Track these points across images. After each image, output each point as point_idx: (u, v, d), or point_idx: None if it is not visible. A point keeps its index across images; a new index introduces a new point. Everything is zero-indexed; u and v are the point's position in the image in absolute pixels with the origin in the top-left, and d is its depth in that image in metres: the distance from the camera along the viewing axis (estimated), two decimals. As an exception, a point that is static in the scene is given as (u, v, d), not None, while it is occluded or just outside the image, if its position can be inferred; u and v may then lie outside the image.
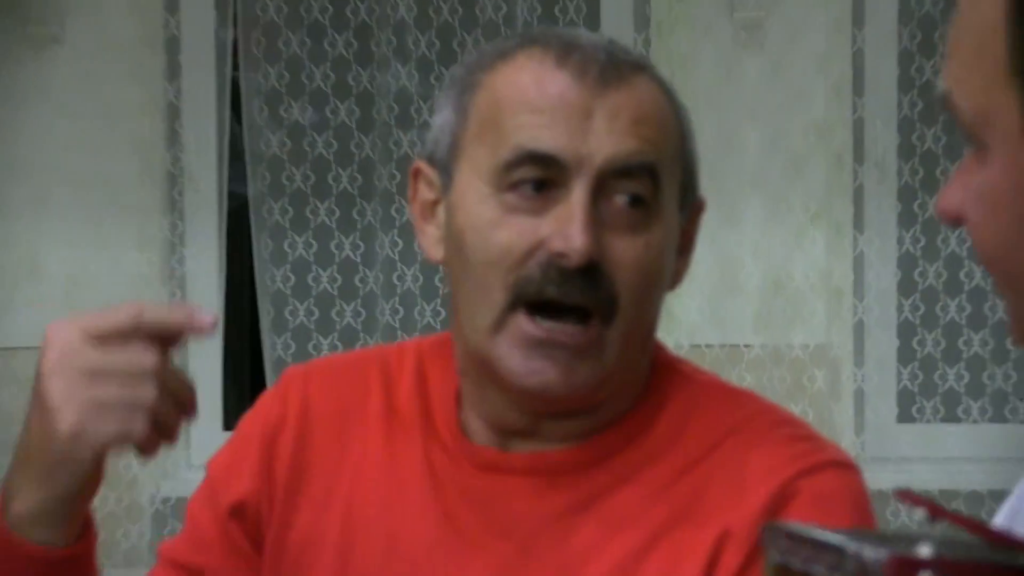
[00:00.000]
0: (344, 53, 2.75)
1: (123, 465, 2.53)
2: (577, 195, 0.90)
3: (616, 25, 2.68)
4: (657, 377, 1.00)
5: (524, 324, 0.91)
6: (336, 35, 2.75)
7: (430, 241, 0.99)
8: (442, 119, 0.98)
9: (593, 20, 2.72)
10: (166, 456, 2.52)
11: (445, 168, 0.97)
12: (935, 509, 0.59)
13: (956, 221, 0.67)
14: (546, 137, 0.91)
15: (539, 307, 0.91)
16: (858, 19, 2.66)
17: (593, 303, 0.91)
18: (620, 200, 0.92)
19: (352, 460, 1.03)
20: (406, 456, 1.01)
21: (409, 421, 1.02)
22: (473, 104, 0.96)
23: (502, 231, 0.92)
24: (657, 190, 0.94)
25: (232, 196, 2.82)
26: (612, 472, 0.97)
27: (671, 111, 0.97)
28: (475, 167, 0.94)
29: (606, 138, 0.92)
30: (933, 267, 2.71)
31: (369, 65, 2.75)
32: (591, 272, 0.90)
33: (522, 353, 0.91)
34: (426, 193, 0.99)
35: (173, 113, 2.71)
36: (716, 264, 2.57)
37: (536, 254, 0.91)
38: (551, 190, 0.91)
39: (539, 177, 0.91)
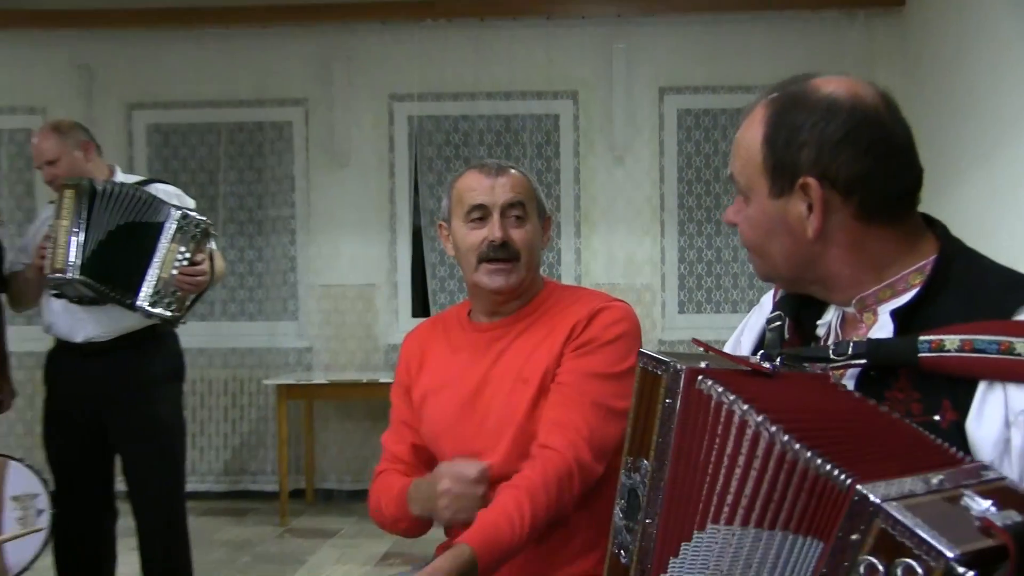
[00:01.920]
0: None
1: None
2: (495, 218, 2.26)
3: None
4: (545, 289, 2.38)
5: (485, 267, 2.26)
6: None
7: (449, 248, 2.38)
8: (444, 203, 2.37)
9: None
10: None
11: (447, 220, 2.36)
12: (706, 347, 1.42)
13: (734, 225, 1.55)
14: (479, 198, 2.27)
15: (488, 260, 2.26)
16: None
17: (508, 255, 2.26)
18: (511, 215, 2.27)
19: (428, 354, 2.41)
20: (449, 340, 2.40)
21: (452, 327, 2.42)
22: (454, 194, 2.33)
23: (471, 236, 2.28)
24: (525, 211, 2.29)
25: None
26: (525, 322, 2.31)
27: (527, 182, 2.32)
28: (458, 216, 2.30)
29: (500, 194, 2.26)
30: None
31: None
32: (505, 244, 2.25)
33: (487, 276, 2.27)
34: (445, 231, 2.37)
35: (390, 196, 6.47)
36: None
37: (484, 241, 2.26)
38: (485, 218, 2.27)
39: (479, 215, 2.27)
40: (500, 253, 2.24)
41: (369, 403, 6.35)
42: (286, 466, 5.96)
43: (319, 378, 6.10)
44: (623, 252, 6.13)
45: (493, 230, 2.24)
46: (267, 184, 6.53)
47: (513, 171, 2.31)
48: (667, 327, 6.29)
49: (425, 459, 2.34)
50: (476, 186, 2.26)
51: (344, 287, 6.45)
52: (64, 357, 3.78)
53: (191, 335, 3.87)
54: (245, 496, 6.45)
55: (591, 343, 2.20)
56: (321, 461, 6.45)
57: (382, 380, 5.86)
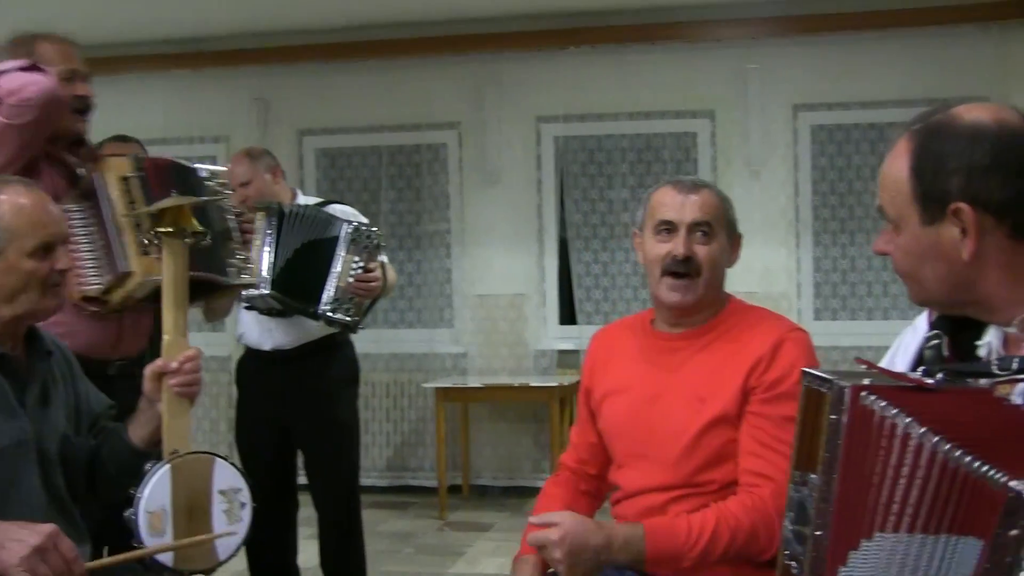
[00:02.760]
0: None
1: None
2: (681, 234, 2.34)
3: None
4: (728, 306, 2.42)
5: (666, 280, 2.33)
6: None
7: (640, 255, 2.44)
8: (639, 212, 2.43)
9: None
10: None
11: (641, 229, 2.42)
12: (869, 364, 1.47)
13: (885, 255, 1.52)
14: (668, 214, 2.35)
15: (671, 273, 2.33)
16: None
17: (690, 270, 2.32)
18: (697, 232, 2.33)
19: (613, 355, 2.49)
20: (632, 345, 2.46)
21: (637, 333, 2.48)
22: (648, 206, 2.41)
23: (658, 248, 2.35)
24: (712, 230, 2.35)
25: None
26: (707, 338, 2.35)
27: (719, 202, 2.38)
28: (648, 227, 2.38)
29: (689, 212, 2.33)
30: None
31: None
32: (688, 260, 2.31)
33: (666, 291, 2.34)
34: (638, 239, 2.43)
35: (537, 211, 6.80)
36: None
37: (668, 255, 2.32)
38: (672, 232, 2.35)
39: (667, 229, 2.35)
40: (682, 268, 2.32)
41: (520, 405, 6.70)
42: (444, 463, 6.35)
43: (474, 382, 6.49)
44: (759, 262, 6.32)
45: (678, 245, 2.32)
46: (424, 202, 6.97)
47: (706, 190, 2.37)
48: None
49: (602, 460, 2.50)
50: (668, 201, 2.35)
51: (496, 296, 6.83)
52: (253, 364, 4.12)
53: (357, 341, 4.22)
54: (406, 491, 6.86)
55: (779, 384, 2.24)
56: (476, 459, 6.84)
57: (532, 384, 6.22)
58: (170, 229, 2.25)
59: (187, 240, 2.29)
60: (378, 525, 5.98)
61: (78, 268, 2.64)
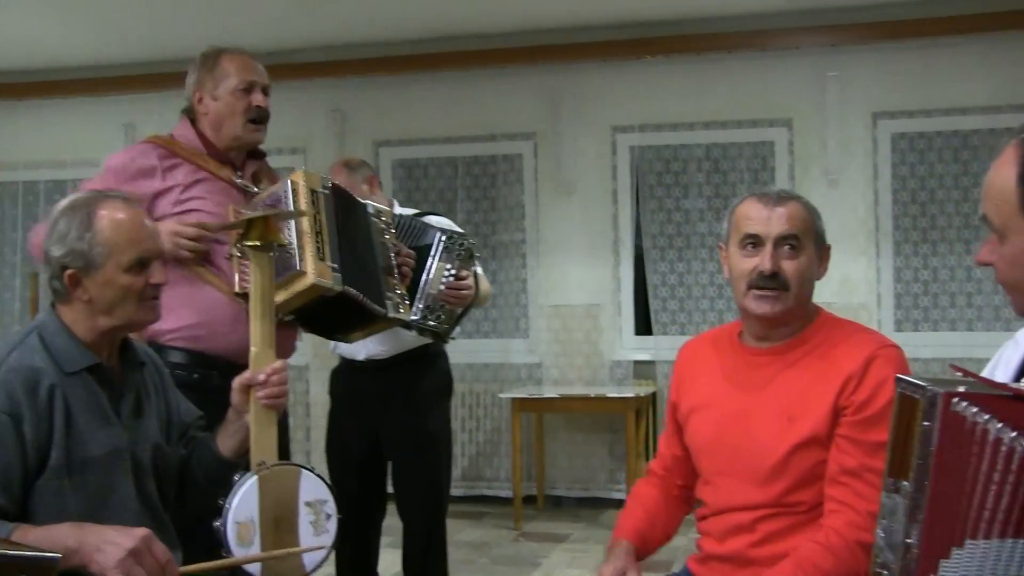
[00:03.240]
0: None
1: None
2: (768, 248, 2.28)
3: None
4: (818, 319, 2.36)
5: (753, 292, 2.29)
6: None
7: (725, 270, 2.40)
8: (724, 226, 2.38)
9: None
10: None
11: (726, 243, 2.38)
12: (965, 372, 1.36)
13: (988, 265, 1.48)
14: (754, 228, 2.30)
15: (757, 287, 2.29)
16: None
17: (777, 285, 2.26)
18: (784, 245, 2.27)
19: (699, 369, 2.46)
20: (719, 359, 2.43)
21: (724, 346, 2.45)
22: (733, 220, 2.37)
23: (744, 263, 2.31)
24: (800, 242, 2.28)
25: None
26: (796, 353, 2.29)
27: (806, 213, 2.32)
28: (734, 241, 2.33)
29: (776, 226, 2.27)
30: None
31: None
32: (775, 275, 2.27)
33: (754, 302, 2.30)
34: (724, 253, 2.39)
35: (613, 221, 6.80)
36: None
37: (755, 270, 2.28)
38: (758, 246, 2.30)
39: (753, 243, 2.31)
40: (769, 283, 2.27)
41: (595, 416, 6.69)
42: (519, 473, 6.37)
43: (549, 392, 6.49)
44: (837, 272, 6.24)
45: (764, 260, 2.27)
46: (500, 212, 7.00)
47: (793, 202, 2.31)
48: None
49: (687, 471, 2.49)
50: (753, 215, 2.30)
51: (571, 307, 6.83)
52: (347, 374, 4.14)
53: None
54: (481, 500, 6.90)
55: (870, 405, 2.18)
56: (551, 470, 6.85)
57: (608, 395, 6.21)
58: (258, 242, 2.29)
59: (273, 253, 2.32)
60: (454, 535, 5.90)
61: (245, 264, 2.70)
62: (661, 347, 6.59)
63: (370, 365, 4.05)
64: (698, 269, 6.62)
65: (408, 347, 4.02)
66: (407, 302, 3.09)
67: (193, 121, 3.10)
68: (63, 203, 2.27)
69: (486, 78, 6.92)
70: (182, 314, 2.89)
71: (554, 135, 6.83)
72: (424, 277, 3.71)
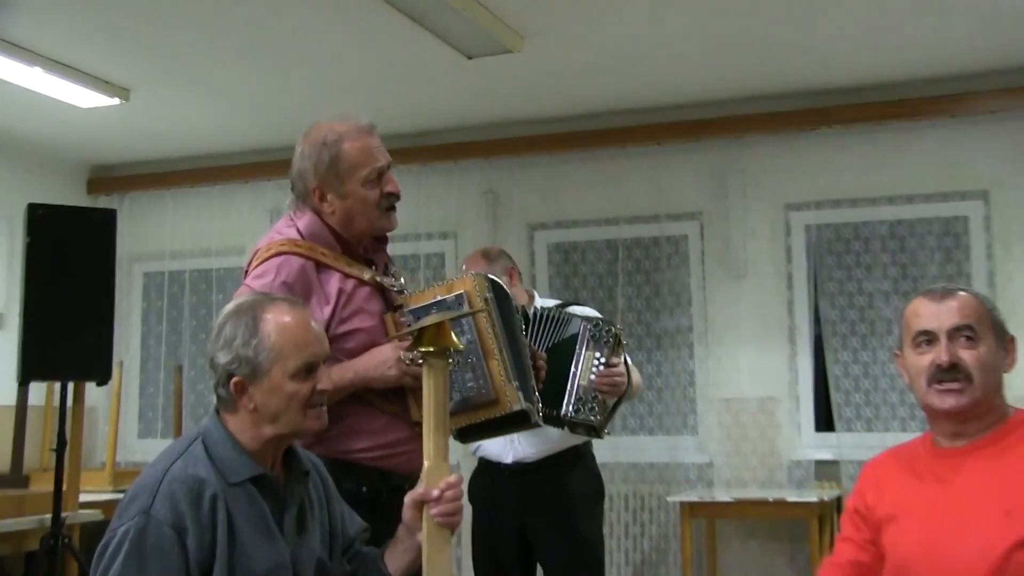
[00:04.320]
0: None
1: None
2: (942, 341, 2.36)
3: None
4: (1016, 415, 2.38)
5: (935, 387, 2.35)
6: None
7: (905, 376, 2.48)
8: (897, 332, 2.53)
9: None
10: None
11: (901, 348, 2.47)
12: None
13: None
14: (925, 324, 2.39)
15: (937, 380, 2.35)
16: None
17: (958, 377, 2.32)
18: (959, 337, 2.35)
19: (890, 476, 2.49)
20: (911, 467, 2.45)
21: (916, 455, 2.47)
22: (904, 322, 2.47)
23: (920, 360, 2.39)
24: (976, 333, 2.35)
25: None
26: (999, 446, 2.30)
27: (978, 304, 2.41)
28: (907, 342, 2.43)
29: (946, 319, 2.37)
30: None
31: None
32: (954, 366, 2.33)
33: (938, 397, 2.36)
34: (900, 360, 2.47)
35: (788, 307, 6.66)
36: None
37: (932, 364, 2.36)
38: (932, 342, 2.39)
39: (927, 339, 2.40)
40: (949, 375, 2.34)
41: (774, 522, 6.52)
42: (690, 585, 6.23)
43: (722, 495, 6.35)
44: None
45: (940, 353, 2.35)
46: (664, 298, 6.97)
47: (963, 294, 2.42)
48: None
49: None
50: (922, 312, 2.41)
51: (744, 400, 6.72)
52: (490, 477, 4.21)
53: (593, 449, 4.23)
54: (648, 613, 6.78)
55: None
56: (724, 581, 6.68)
57: (789, 499, 6.04)
58: (431, 348, 2.31)
59: (449, 360, 2.34)
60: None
61: (419, 392, 2.68)
62: (845, 445, 6.40)
63: (517, 468, 4.11)
64: (885, 358, 6.42)
65: (558, 448, 4.08)
66: (540, 404, 3.05)
67: (317, 212, 2.95)
68: (229, 307, 2.36)
69: (647, 155, 6.95)
70: (355, 440, 2.84)
71: (721, 214, 6.80)
72: (572, 369, 3.76)
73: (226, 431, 2.30)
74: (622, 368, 3.81)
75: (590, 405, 3.72)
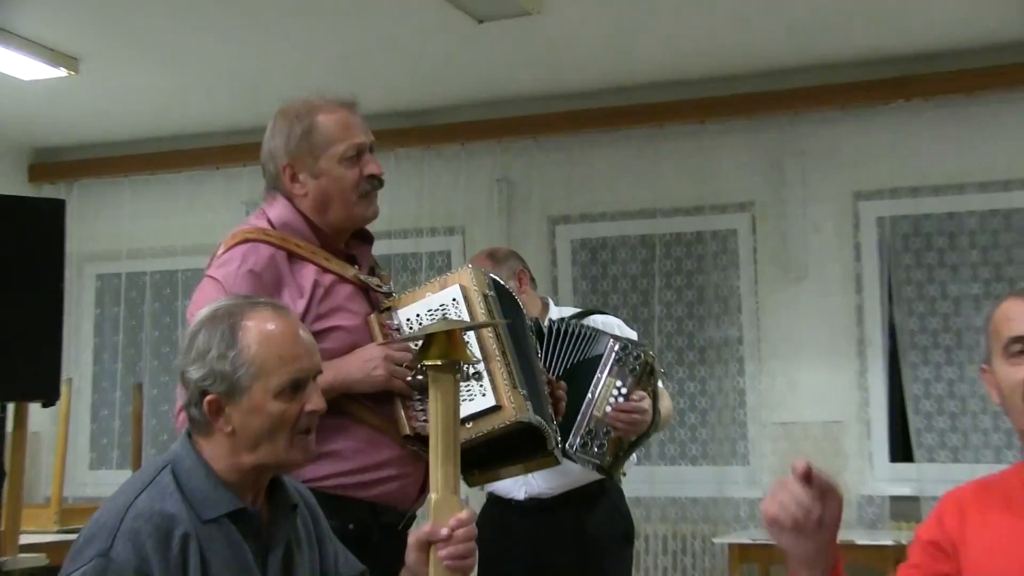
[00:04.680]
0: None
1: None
2: None
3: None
4: None
5: None
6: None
7: (994, 395, 2.35)
8: (982, 341, 2.42)
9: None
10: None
11: (988, 360, 2.36)
12: None
13: None
14: (1020, 328, 2.26)
15: None
16: None
17: None
18: None
19: (976, 513, 2.41)
20: (1006, 500, 2.37)
21: (1011, 487, 2.40)
22: (991, 329, 2.37)
23: (1015, 373, 2.26)
24: None
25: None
26: None
27: None
28: (997, 353, 2.31)
29: None
30: None
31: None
32: None
33: None
34: (988, 375, 2.36)
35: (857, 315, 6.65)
36: None
37: None
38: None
39: (1022, 348, 2.28)
40: None
41: (841, 568, 6.46)
42: (741, 642, 6.21)
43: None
44: None
45: None
46: (709, 304, 6.95)
47: None
48: None
49: None
50: (1014, 315, 2.32)
51: (804, 425, 6.68)
52: (501, 515, 4.17)
53: (626, 484, 4.19)
54: (692, 676, 6.74)
55: None
56: (782, 637, 6.65)
57: (859, 542, 6.00)
58: (438, 361, 2.23)
59: (459, 376, 2.27)
60: None
61: (411, 401, 2.77)
62: (926, 478, 6.35)
63: (531, 505, 4.10)
64: (974, 375, 6.36)
65: (579, 483, 4.06)
66: (558, 434, 3.05)
67: (288, 197, 2.98)
68: (202, 313, 2.34)
69: (689, 136, 6.92)
70: (330, 462, 2.82)
71: (777, 205, 6.78)
72: (588, 396, 3.74)
73: (199, 458, 2.28)
74: (645, 404, 3.76)
75: (600, 441, 3.71)
